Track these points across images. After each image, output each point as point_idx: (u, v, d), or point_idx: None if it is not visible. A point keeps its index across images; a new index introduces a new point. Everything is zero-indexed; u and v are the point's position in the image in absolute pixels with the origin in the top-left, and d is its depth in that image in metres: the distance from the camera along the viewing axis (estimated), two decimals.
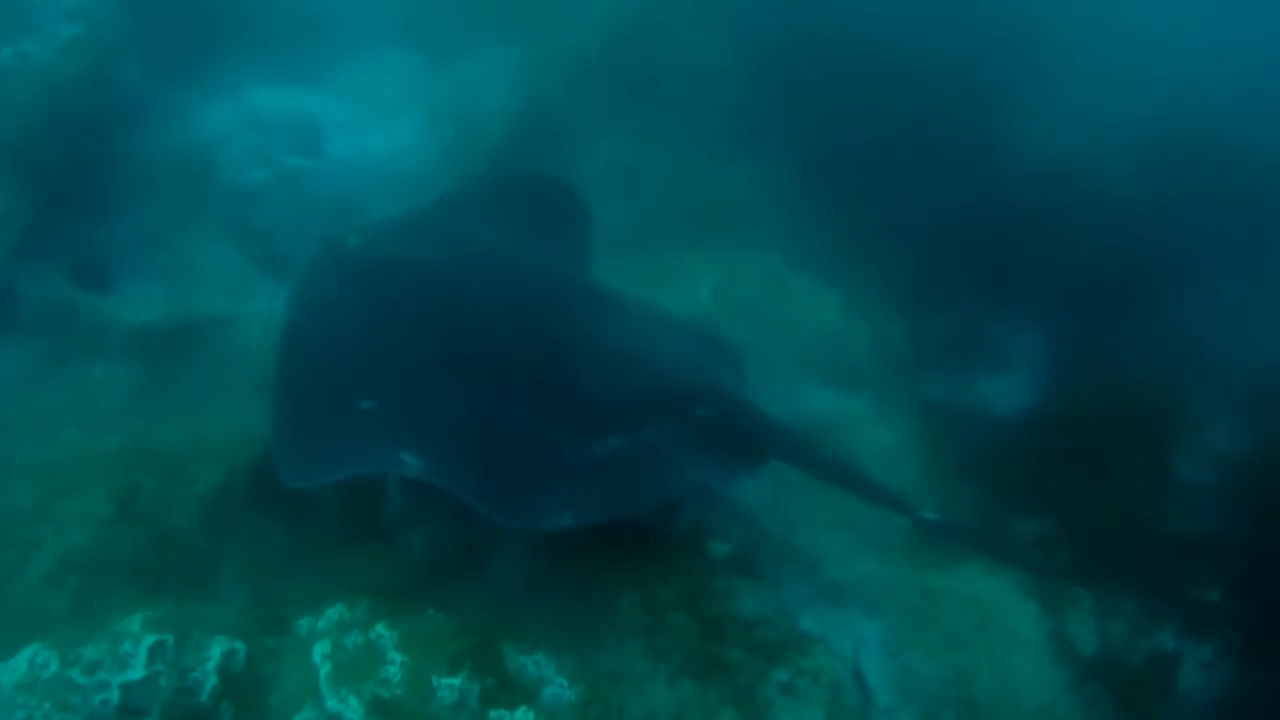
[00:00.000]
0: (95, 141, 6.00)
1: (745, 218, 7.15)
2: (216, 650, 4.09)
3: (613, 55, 7.57)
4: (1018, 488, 6.11)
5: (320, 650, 4.19)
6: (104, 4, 6.32)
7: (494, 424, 4.38)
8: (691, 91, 7.66)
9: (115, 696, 3.89)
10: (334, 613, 4.34)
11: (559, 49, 7.38)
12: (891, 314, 6.86)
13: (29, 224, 5.52)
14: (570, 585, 4.88)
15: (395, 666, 4.08)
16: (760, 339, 6.28)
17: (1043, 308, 7.10)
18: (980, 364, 6.89)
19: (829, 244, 7.04)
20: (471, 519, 4.83)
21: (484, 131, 6.87)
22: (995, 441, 6.38)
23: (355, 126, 6.52)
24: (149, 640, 4.02)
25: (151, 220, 6.02)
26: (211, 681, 4.04)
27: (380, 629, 4.22)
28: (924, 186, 7.14)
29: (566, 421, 4.43)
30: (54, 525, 4.59)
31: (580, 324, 4.82)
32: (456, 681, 4.03)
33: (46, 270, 5.61)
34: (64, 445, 5.01)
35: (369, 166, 6.40)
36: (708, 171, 7.44)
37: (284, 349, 4.51)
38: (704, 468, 4.56)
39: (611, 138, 7.33)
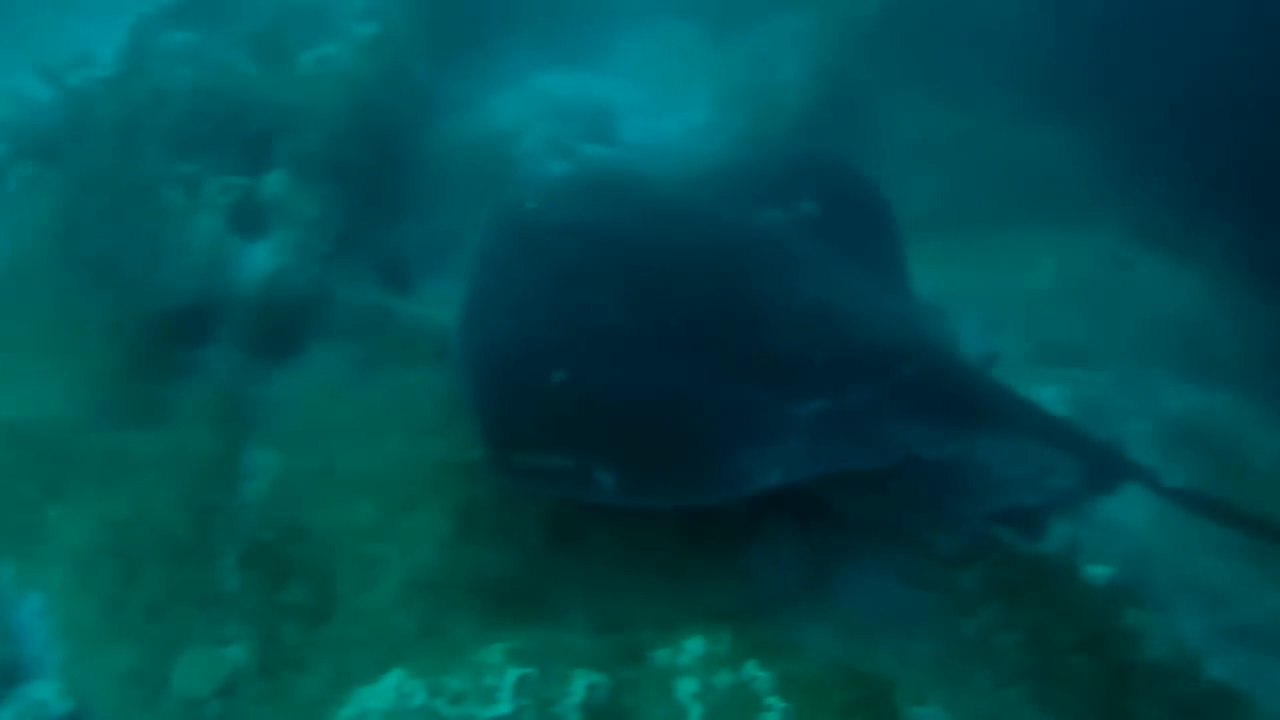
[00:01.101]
0: (396, 140, 5.91)
1: (1067, 188, 6.29)
2: (580, 683, 3.81)
3: (903, 15, 6.82)
4: None
5: (686, 688, 3.83)
6: (394, 0, 6.24)
7: (689, 391, 4.10)
8: (993, 50, 6.78)
9: None
10: (694, 644, 3.99)
11: (850, 14, 6.71)
12: (1259, 296, 5.89)
13: (342, 229, 5.48)
14: (931, 612, 4.34)
15: (775, 713, 3.66)
16: (1107, 328, 5.55)
17: None
18: None
19: (1174, 216, 6.10)
20: (813, 533, 4.56)
21: (780, 107, 6.32)
22: None
23: (646, 109, 6.12)
24: (514, 673, 3.81)
25: (455, 217, 5.85)
26: (575, 717, 3.80)
27: (752, 669, 3.81)
28: None
29: (765, 385, 4.13)
30: (398, 543, 4.47)
31: (776, 281, 4.47)
32: None
33: (357, 274, 5.57)
34: (391, 456, 4.92)
35: (665, 151, 6.02)
36: (1019, 138, 6.59)
37: (466, 318, 4.39)
38: (912, 431, 4.16)
39: (913, 107, 6.61)
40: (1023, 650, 4.15)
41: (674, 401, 4.09)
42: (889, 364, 4.27)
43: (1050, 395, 4.98)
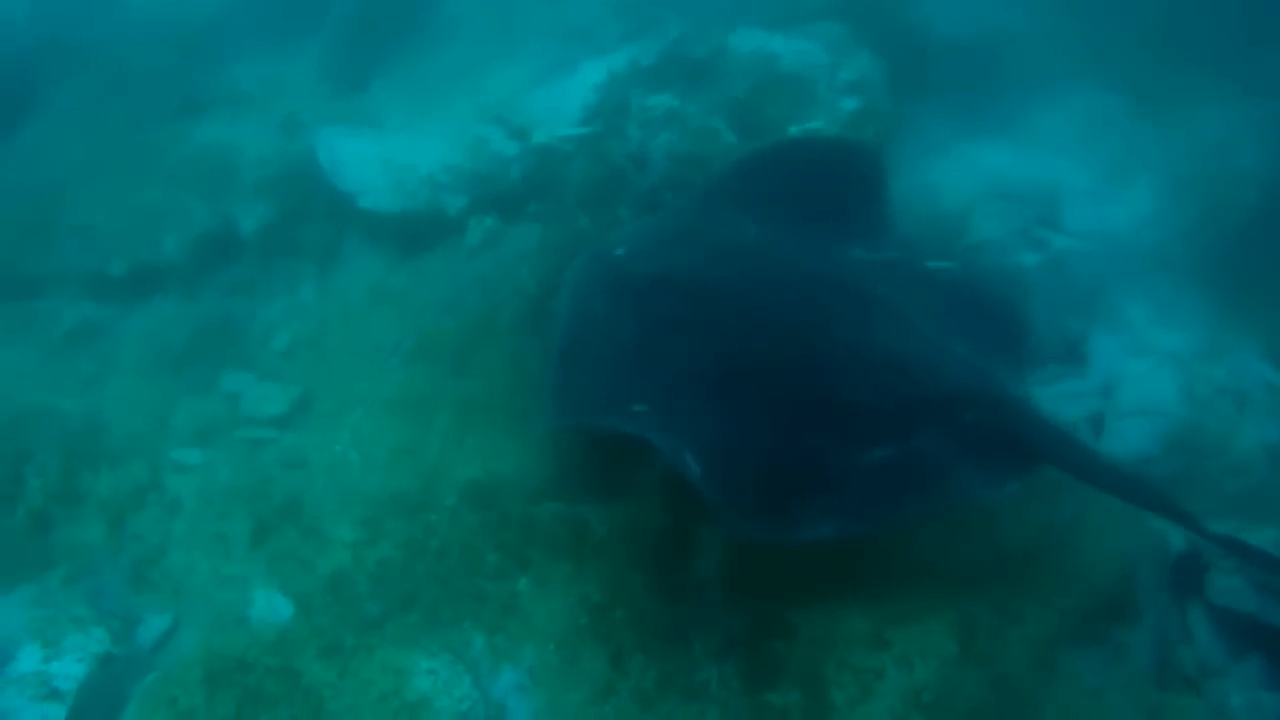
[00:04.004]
0: None
1: None
2: None
3: None
4: None
5: None
6: (877, 72, 6.16)
7: (757, 433, 4.30)
8: None
9: None
10: None
11: None
12: None
13: None
14: None
15: None
16: None
17: None
18: None
19: None
20: None
21: (1237, 200, 5.89)
22: None
23: (1094, 194, 5.77)
24: None
25: None
26: None
27: None
28: None
29: (830, 431, 4.28)
30: (894, 656, 4.47)
31: (845, 326, 4.63)
32: None
33: None
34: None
35: (1113, 243, 5.69)
36: None
37: (557, 358, 4.76)
38: (973, 475, 4.22)
39: None
40: None
41: (739, 442, 4.29)
42: (952, 409, 4.37)
43: None
